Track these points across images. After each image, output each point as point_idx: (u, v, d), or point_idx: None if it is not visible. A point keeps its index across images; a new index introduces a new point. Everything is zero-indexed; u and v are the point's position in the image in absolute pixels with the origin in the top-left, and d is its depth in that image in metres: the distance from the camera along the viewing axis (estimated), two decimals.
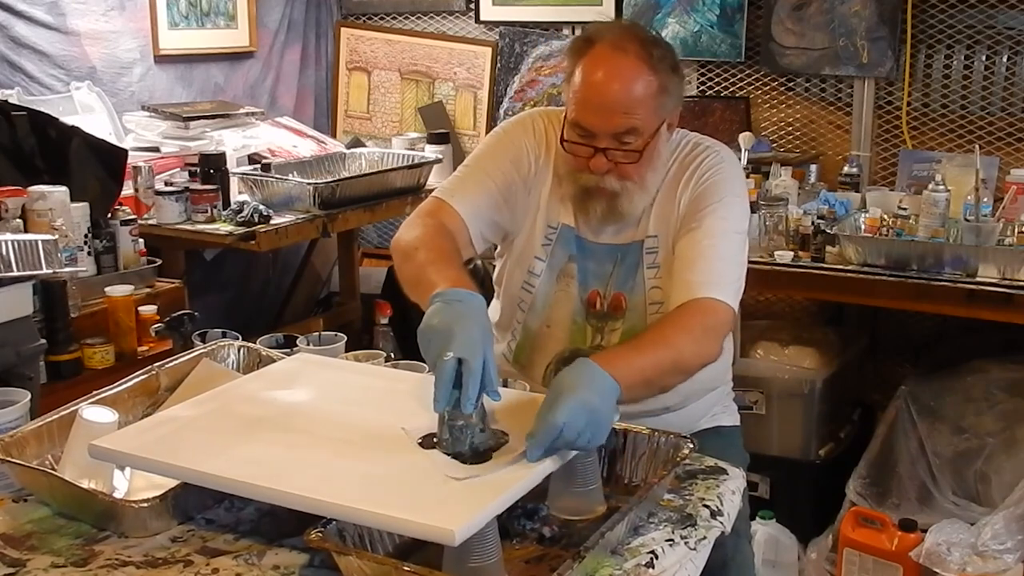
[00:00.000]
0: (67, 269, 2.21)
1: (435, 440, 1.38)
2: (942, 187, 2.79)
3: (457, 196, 1.85)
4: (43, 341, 2.10)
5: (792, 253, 2.87)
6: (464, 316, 1.41)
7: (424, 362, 1.45)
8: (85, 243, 2.50)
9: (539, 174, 1.88)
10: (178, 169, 3.14)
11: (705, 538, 1.40)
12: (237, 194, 3.07)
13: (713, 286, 1.69)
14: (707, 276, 1.70)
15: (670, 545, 1.35)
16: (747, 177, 2.98)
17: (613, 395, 1.42)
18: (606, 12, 3.65)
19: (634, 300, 1.84)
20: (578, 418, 1.34)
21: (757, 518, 2.81)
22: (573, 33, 3.77)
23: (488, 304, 1.56)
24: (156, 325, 2.21)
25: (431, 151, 3.52)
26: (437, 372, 1.35)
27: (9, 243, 1.93)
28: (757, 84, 3.57)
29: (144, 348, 2.46)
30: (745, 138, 3.25)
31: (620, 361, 1.49)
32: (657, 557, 1.31)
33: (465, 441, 1.35)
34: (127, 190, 2.85)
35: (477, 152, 1.93)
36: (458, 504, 1.23)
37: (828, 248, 2.85)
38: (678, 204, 1.81)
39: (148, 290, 2.64)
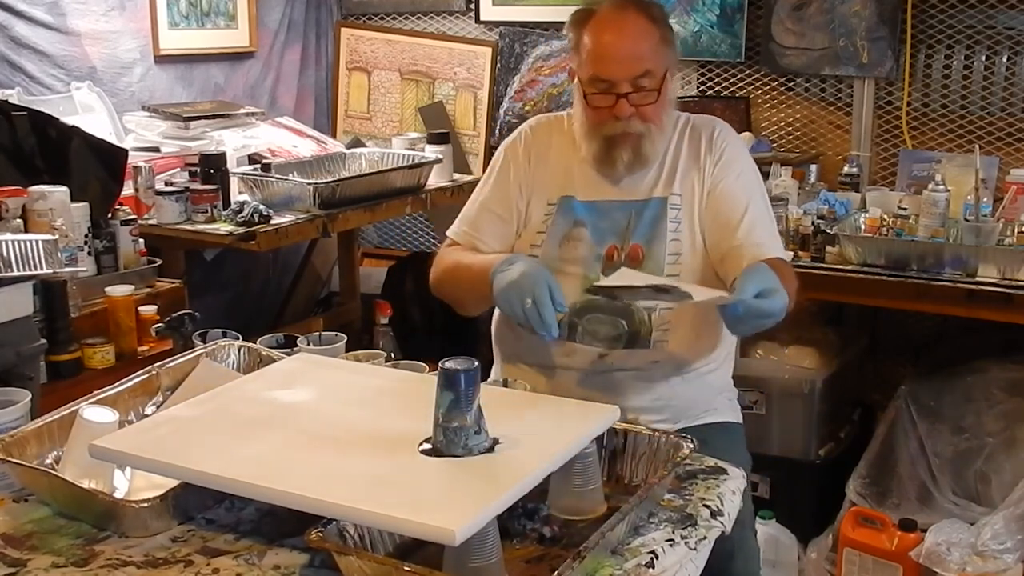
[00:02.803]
0: (67, 269, 2.21)
1: (427, 442, 1.37)
2: (942, 187, 2.79)
3: (466, 230, 2.07)
4: (43, 341, 2.10)
5: (792, 253, 2.86)
6: (519, 270, 1.75)
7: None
8: (85, 243, 2.50)
9: (533, 170, 2.05)
10: (178, 169, 3.14)
11: (705, 538, 1.40)
12: (237, 194, 3.07)
13: (776, 247, 1.97)
14: (768, 238, 1.95)
15: (670, 545, 1.35)
16: None
17: None
18: None
19: (653, 250, 1.96)
20: (779, 310, 1.63)
21: (757, 518, 2.80)
22: None
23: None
24: (157, 325, 2.21)
25: (431, 151, 3.52)
26: (530, 317, 1.71)
27: (9, 243, 1.93)
28: (757, 84, 3.57)
29: (144, 348, 2.46)
30: (745, 138, 3.25)
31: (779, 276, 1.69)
32: (657, 557, 1.32)
33: (459, 443, 1.34)
34: (127, 190, 2.84)
35: (479, 190, 2.11)
36: (458, 504, 1.23)
37: (828, 248, 2.85)
38: (702, 169, 1.99)
39: (148, 290, 2.64)
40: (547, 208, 2.02)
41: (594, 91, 1.92)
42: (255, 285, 3.94)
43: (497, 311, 2.03)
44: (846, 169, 3.28)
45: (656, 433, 1.52)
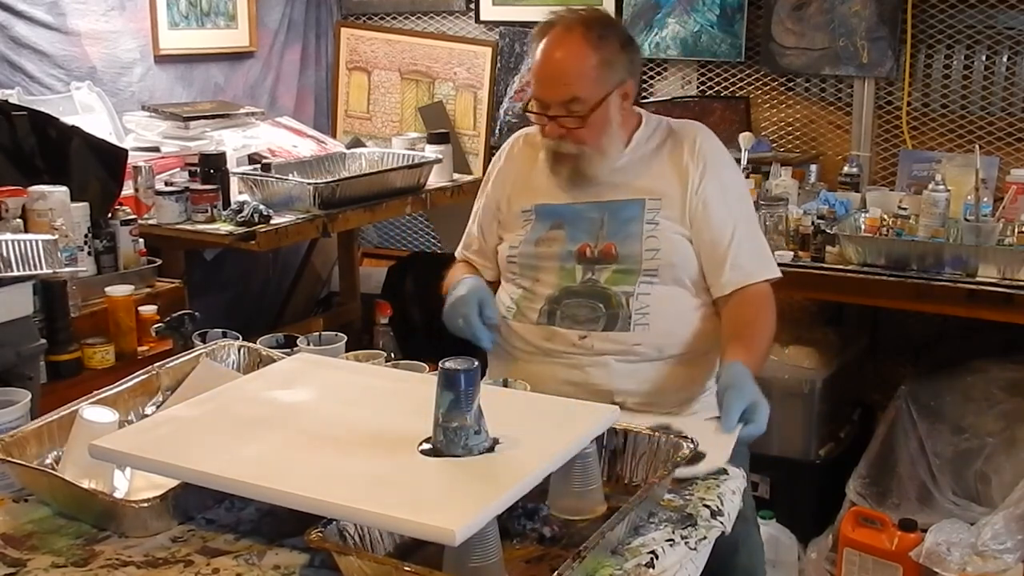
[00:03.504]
0: (67, 269, 2.21)
1: (427, 442, 1.38)
2: (942, 187, 2.79)
3: (460, 249, 2.24)
4: (43, 341, 2.10)
5: (792, 253, 2.87)
6: (456, 295, 2.00)
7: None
8: (85, 243, 2.50)
9: (511, 186, 2.12)
10: (178, 169, 3.14)
11: (705, 538, 1.40)
12: (237, 194, 3.06)
13: (764, 267, 1.99)
14: (755, 256, 1.99)
15: (670, 545, 1.35)
16: (747, 177, 2.99)
17: None
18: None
19: (628, 248, 1.98)
20: (764, 426, 1.70)
21: (757, 518, 2.80)
22: None
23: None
24: (156, 325, 2.21)
25: (431, 151, 3.52)
26: (465, 333, 1.96)
27: (9, 243, 1.93)
28: (757, 84, 3.57)
29: (144, 348, 2.46)
30: (745, 138, 3.25)
31: (752, 362, 1.78)
32: (657, 557, 1.32)
33: (459, 443, 1.34)
34: (127, 190, 2.84)
35: (477, 203, 2.22)
36: (458, 504, 1.23)
37: (828, 248, 2.85)
38: (686, 178, 1.99)
39: (148, 290, 2.64)
40: (524, 215, 2.08)
41: (533, 109, 1.99)
42: (255, 285, 3.94)
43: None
44: (846, 169, 3.28)
45: (656, 433, 1.53)
